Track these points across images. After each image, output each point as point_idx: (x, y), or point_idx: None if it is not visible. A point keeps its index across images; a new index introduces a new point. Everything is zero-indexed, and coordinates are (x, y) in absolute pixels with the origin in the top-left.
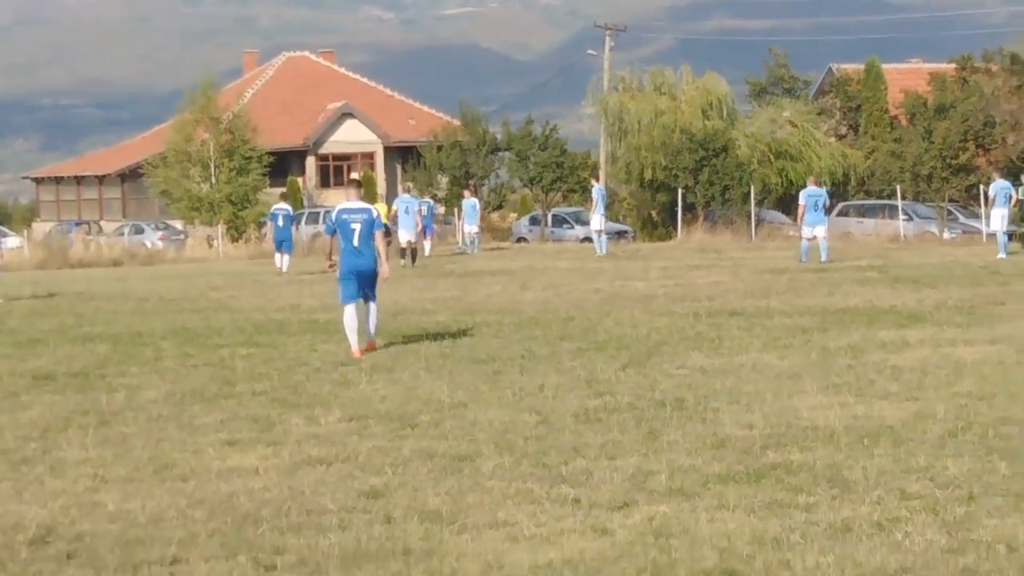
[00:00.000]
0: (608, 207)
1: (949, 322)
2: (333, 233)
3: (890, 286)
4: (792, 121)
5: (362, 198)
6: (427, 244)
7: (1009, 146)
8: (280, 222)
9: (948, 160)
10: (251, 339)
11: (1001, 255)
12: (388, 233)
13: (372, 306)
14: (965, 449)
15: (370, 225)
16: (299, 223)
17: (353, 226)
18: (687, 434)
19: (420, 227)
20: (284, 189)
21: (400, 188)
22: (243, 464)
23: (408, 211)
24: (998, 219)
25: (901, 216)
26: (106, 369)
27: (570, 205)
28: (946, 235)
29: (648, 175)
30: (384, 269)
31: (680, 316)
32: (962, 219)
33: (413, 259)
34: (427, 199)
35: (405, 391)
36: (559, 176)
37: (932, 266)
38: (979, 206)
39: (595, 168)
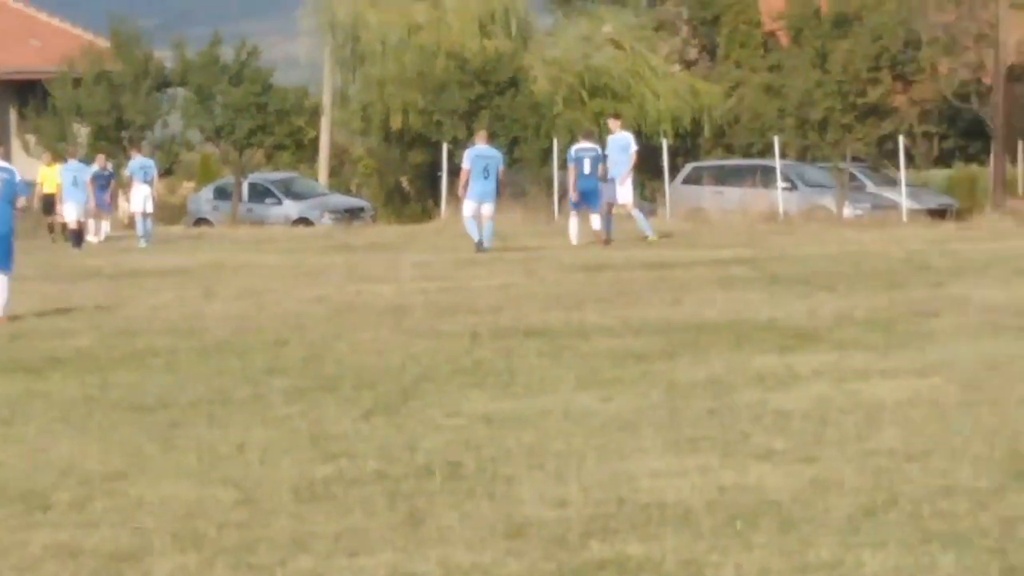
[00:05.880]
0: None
1: (857, 343)
2: None
3: (766, 289)
4: (616, 40)
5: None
6: (105, 224)
7: (942, 77)
8: None
9: (851, 99)
10: None
11: None
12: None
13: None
14: (889, 535)
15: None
16: None
17: None
18: (467, 517)
19: (93, 202)
20: None
21: (6, 145)
22: None
23: (77, 182)
24: None
25: (781, 183)
26: None
27: (276, 169)
28: (848, 211)
29: (397, 123)
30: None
31: (450, 337)
32: (872, 187)
33: (79, 243)
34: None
35: (31, 455)
36: (261, 125)
37: (829, 258)
38: (897, 168)
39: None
